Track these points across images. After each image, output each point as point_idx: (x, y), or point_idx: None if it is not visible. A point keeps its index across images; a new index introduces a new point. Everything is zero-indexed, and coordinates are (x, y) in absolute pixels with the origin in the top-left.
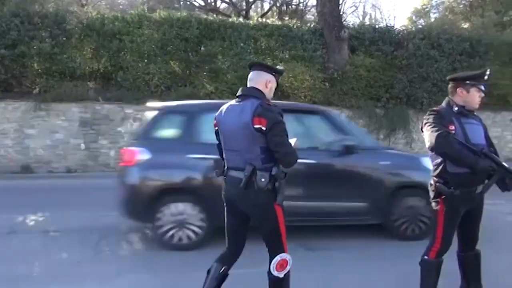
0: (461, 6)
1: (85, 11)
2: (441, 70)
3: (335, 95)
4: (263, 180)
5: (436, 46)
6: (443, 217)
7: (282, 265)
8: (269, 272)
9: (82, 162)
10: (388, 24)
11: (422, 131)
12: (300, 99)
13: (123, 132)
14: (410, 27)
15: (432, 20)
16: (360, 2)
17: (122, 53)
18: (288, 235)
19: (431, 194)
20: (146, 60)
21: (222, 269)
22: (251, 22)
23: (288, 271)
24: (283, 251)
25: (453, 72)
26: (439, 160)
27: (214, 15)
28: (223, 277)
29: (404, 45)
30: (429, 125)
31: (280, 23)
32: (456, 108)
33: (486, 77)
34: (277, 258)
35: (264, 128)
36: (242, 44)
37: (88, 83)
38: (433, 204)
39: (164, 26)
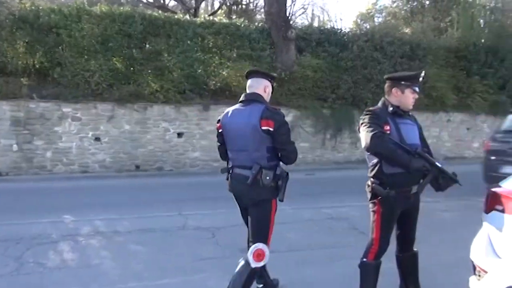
0: (402, 12)
1: (18, 2)
2: (384, 72)
3: (283, 95)
4: (268, 178)
5: (379, 48)
6: (380, 218)
7: (259, 255)
8: (246, 261)
9: (15, 165)
10: (335, 26)
11: (359, 131)
12: None
13: (61, 132)
14: (355, 29)
15: (376, 24)
16: (308, 4)
17: (60, 48)
18: (228, 240)
19: (368, 196)
20: (86, 56)
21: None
22: (198, 19)
23: (260, 268)
24: (265, 243)
25: None
26: (375, 160)
27: (160, 11)
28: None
29: (349, 47)
30: (364, 125)
31: (227, 21)
32: (391, 108)
33: (420, 79)
34: (257, 245)
35: (271, 129)
36: (188, 42)
37: (22, 79)
38: (370, 205)
39: (105, 21)
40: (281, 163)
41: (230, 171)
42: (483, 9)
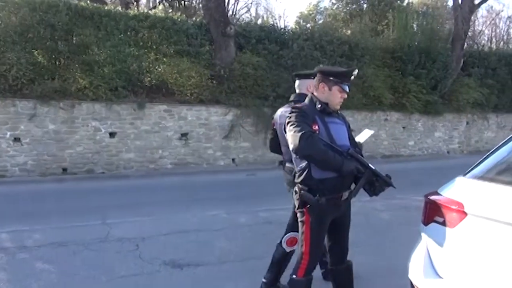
0: (342, 13)
1: None
2: None
3: (222, 93)
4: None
5: (319, 47)
6: (309, 230)
7: (292, 241)
8: (279, 244)
9: None
10: (276, 25)
11: (285, 132)
12: (186, 97)
13: None
14: (295, 28)
15: (317, 24)
16: (252, 3)
17: None
18: (153, 252)
19: (296, 204)
20: (2, 48)
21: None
22: (130, 12)
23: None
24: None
25: None
26: (303, 164)
27: (88, 1)
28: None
29: (289, 45)
30: (292, 125)
31: (163, 15)
32: (319, 106)
33: (352, 77)
34: (291, 234)
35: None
36: (120, 35)
37: None
38: (298, 215)
39: (24, 9)
40: None
41: (283, 164)
42: (415, 13)
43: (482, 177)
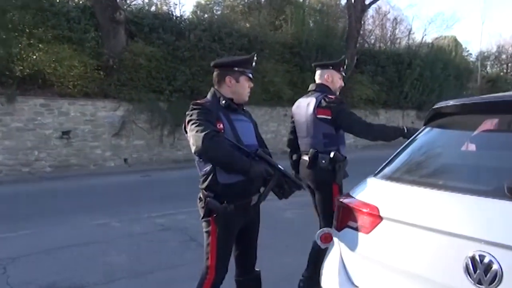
0: (240, 6)
1: None
2: None
3: (111, 86)
4: (323, 161)
5: (217, 39)
6: (216, 241)
7: (327, 237)
8: (315, 242)
9: None
10: (170, 12)
11: (186, 131)
12: (67, 90)
13: None
14: (192, 17)
15: (215, 15)
16: None
17: None
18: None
19: (201, 212)
20: None
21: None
22: None
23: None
24: (330, 227)
25: None
26: (208, 168)
27: None
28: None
29: (186, 35)
30: (193, 124)
31: None
32: (223, 101)
33: (253, 63)
34: (324, 230)
35: (329, 118)
36: None
37: None
38: (203, 224)
39: None
40: (341, 147)
41: (300, 158)
42: (312, 10)
43: (396, 178)
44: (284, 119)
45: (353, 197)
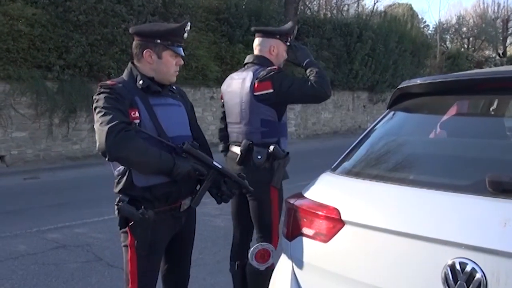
0: None
1: None
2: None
3: None
4: (259, 157)
5: (123, 0)
6: (135, 256)
7: (263, 255)
8: (248, 263)
9: None
10: None
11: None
12: None
13: None
14: None
15: None
16: None
17: None
18: None
19: (118, 222)
20: None
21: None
22: None
23: (271, 266)
24: (269, 242)
25: None
26: (121, 168)
27: None
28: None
29: None
30: (98, 113)
31: None
32: (141, 82)
33: (186, 35)
34: (258, 246)
35: (270, 92)
36: None
37: None
38: (122, 237)
39: None
40: (282, 140)
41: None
42: None
43: (357, 172)
44: (211, 103)
45: (306, 197)
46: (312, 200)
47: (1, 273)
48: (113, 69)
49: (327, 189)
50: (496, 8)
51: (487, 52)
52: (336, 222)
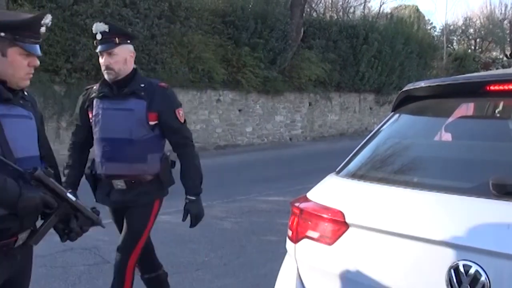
0: None
1: None
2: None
3: None
4: None
5: (129, 4)
6: None
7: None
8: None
9: None
10: None
11: None
12: None
13: None
14: None
15: None
16: None
17: None
18: None
19: None
20: None
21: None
22: None
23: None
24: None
25: (152, 40)
26: None
27: None
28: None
29: None
30: None
31: None
32: None
33: (43, 28)
34: None
35: None
36: None
37: None
38: None
39: None
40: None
41: None
42: None
43: (362, 175)
44: (217, 106)
45: (311, 200)
46: (317, 203)
47: None
48: None
49: (332, 192)
50: (503, 9)
51: (494, 53)
52: (340, 224)
